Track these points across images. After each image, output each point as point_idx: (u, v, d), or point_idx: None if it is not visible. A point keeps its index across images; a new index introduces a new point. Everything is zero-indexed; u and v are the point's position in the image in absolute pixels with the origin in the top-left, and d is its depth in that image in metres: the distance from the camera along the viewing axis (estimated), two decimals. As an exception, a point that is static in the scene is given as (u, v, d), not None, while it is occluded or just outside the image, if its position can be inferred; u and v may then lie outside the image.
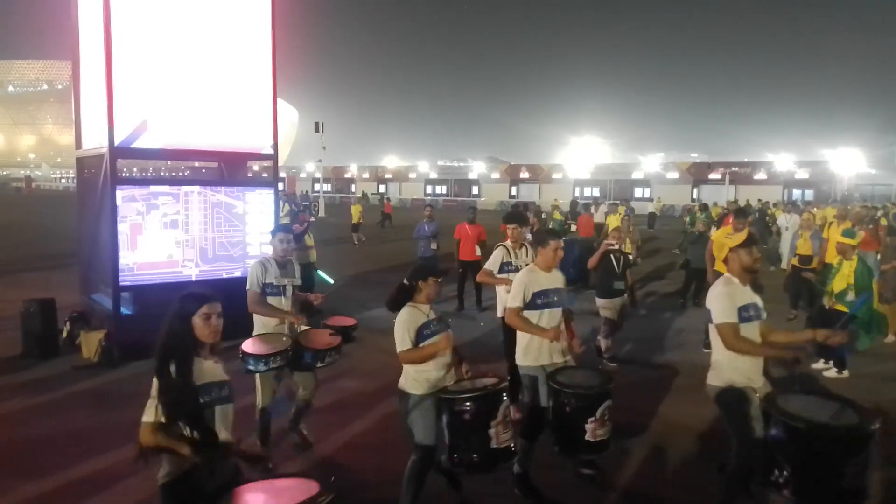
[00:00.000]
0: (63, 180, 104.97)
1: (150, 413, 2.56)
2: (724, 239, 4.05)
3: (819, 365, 7.24)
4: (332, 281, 9.91)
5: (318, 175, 53.68)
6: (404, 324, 3.74)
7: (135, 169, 65.18)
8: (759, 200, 30.24)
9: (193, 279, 7.64)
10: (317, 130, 43.85)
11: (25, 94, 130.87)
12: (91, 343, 7.30)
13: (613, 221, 14.46)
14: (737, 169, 57.82)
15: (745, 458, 3.55)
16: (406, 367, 3.80)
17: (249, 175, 11.44)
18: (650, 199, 50.15)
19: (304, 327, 4.91)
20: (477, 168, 77.66)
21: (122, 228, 7.22)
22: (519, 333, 4.43)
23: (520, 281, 4.44)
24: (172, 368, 2.59)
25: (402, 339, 3.72)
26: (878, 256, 7.77)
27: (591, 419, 3.89)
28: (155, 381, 2.62)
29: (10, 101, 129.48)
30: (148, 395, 2.63)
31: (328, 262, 12.20)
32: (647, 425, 5.66)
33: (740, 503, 3.68)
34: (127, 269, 7.26)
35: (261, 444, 4.70)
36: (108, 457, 4.74)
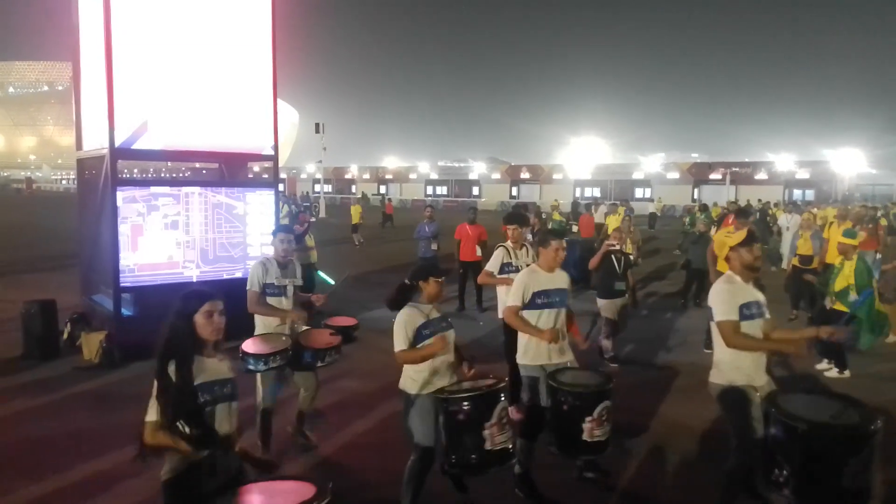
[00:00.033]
0: (64, 181, 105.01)
1: (153, 412, 2.57)
2: (724, 238, 4.05)
3: (822, 365, 7.23)
4: (332, 282, 9.90)
5: (318, 176, 53.73)
6: (402, 324, 3.74)
7: (135, 170, 65.25)
8: (760, 200, 30.28)
9: (194, 280, 7.64)
10: (317, 131, 43.88)
11: (26, 96, 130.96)
12: (92, 344, 7.31)
13: (613, 222, 14.47)
14: (737, 169, 57.80)
15: (745, 458, 3.56)
16: (405, 367, 3.81)
17: (250, 176, 11.44)
18: (651, 200, 50.13)
19: (304, 327, 4.91)
20: (477, 168, 77.68)
21: (123, 229, 7.23)
22: (520, 333, 4.43)
23: (520, 280, 4.45)
24: (172, 367, 2.59)
25: (399, 338, 3.73)
26: (878, 256, 7.78)
27: (588, 419, 3.88)
28: (156, 381, 2.63)
29: (11, 103, 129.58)
30: (149, 395, 2.63)
31: (329, 263, 12.20)
32: (648, 426, 5.66)
33: (741, 503, 3.67)
34: (128, 271, 7.27)
35: (262, 444, 4.70)
36: (108, 458, 4.74)
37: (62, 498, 4.31)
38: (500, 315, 5.73)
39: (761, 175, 57.27)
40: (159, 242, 7.48)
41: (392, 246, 21.80)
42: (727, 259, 3.92)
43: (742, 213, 10.20)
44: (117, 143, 7.25)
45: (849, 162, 51.42)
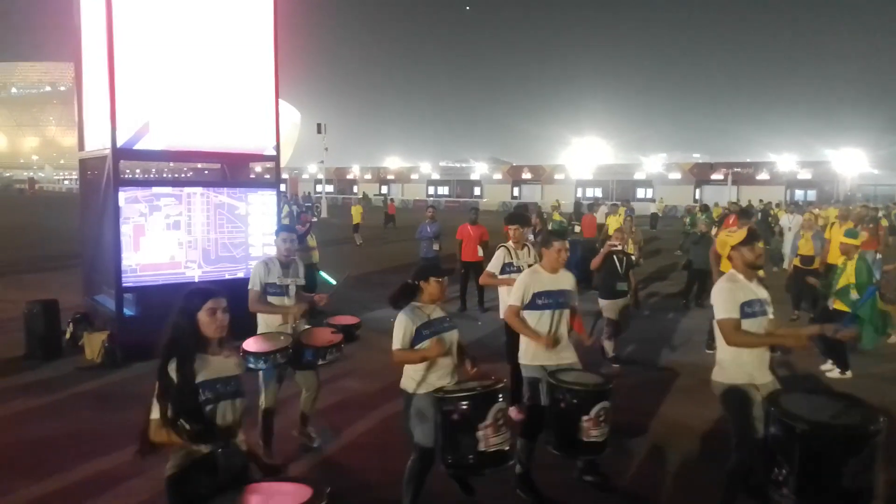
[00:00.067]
0: (66, 182, 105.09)
1: (156, 410, 2.59)
2: (726, 237, 4.05)
3: (826, 366, 7.21)
4: (334, 282, 9.92)
5: (320, 176, 53.80)
6: (401, 323, 3.75)
7: (137, 170, 65.33)
8: (761, 201, 30.20)
9: (196, 280, 7.65)
10: (319, 132, 43.91)
11: (28, 96, 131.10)
12: (94, 344, 7.32)
13: (613, 222, 14.47)
14: (739, 169, 57.73)
15: (745, 457, 3.56)
16: (406, 367, 3.82)
17: (252, 176, 11.46)
18: (652, 200, 50.09)
19: (305, 326, 4.92)
20: (479, 169, 77.66)
21: (125, 230, 7.24)
22: None
23: (521, 281, 4.46)
24: (174, 365, 2.60)
25: (397, 337, 3.73)
26: (878, 256, 7.79)
27: (585, 418, 3.87)
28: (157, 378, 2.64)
29: (13, 103, 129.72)
30: (152, 394, 2.64)
31: (330, 263, 12.21)
32: (649, 426, 5.66)
33: (741, 502, 3.67)
34: (130, 271, 7.28)
35: (263, 444, 4.71)
36: (110, 458, 4.75)
37: (63, 498, 4.32)
38: (502, 315, 5.74)
39: (763, 175, 57.20)
40: (161, 243, 7.49)
41: (393, 246, 21.81)
42: (729, 258, 3.93)
43: (744, 213, 10.21)
44: (119, 144, 7.26)
45: (851, 162, 51.37)
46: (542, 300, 4.34)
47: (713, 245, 8.70)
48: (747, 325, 3.66)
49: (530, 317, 4.38)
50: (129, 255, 7.27)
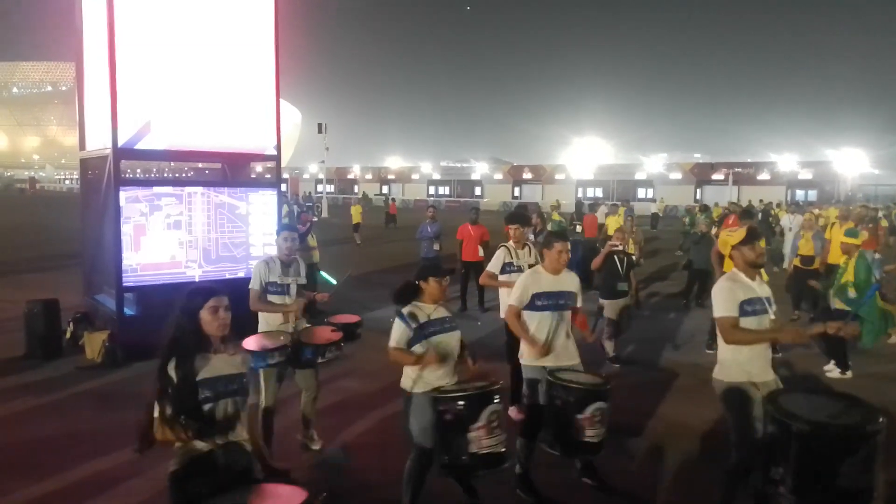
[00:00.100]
0: (67, 181, 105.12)
1: (158, 408, 2.59)
2: (726, 237, 4.06)
3: (829, 366, 7.20)
4: (334, 282, 9.92)
5: (321, 176, 53.81)
6: (397, 323, 3.77)
7: (138, 170, 65.33)
8: (761, 201, 30.19)
9: (197, 280, 7.65)
10: (320, 131, 43.92)
11: (29, 96, 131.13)
12: (94, 344, 7.33)
13: (612, 222, 14.47)
14: (740, 169, 57.72)
15: (744, 456, 3.57)
16: (405, 366, 3.82)
17: (253, 176, 11.47)
18: (653, 200, 50.08)
19: (306, 325, 4.92)
20: (480, 169, 77.66)
21: (126, 229, 7.24)
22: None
23: (521, 281, 4.45)
24: (174, 363, 2.61)
25: (394, 335, 3.76)
26: (877, 256, 7.82)
27: (579, 416, 3.86)
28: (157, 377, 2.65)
29: (15, 103, 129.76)
30: (152, 392, 2.65)
31: (331, 263, 12.22)
32: (649, 426, 5.66)
33: (741, 502, 3.67)
34: (130, 270, 7.28)
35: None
36: (110, 457, 4.76)
37: (63, 498, 4.32)
38: (502, 315, 5.74)
39: (764, 175, 57.18)
40: (162, 242, 7.49)
41: (394, 246, 21.81)
42: (731, 257, 3.94)
43: (746, 213, 10.19)
44: (120, 144, 7.26)
45: (851, 162, 51.36)
46: (541, 301, 4.33)
47: (715, 245, 8.69)
48: (748, 323, 3.66)
49: (530, 318, 4.37)
50: (130, 254, 7.27)
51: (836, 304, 6.93)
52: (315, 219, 18.59)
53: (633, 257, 8.59)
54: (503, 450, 3.53)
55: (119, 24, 7.19)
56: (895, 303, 7.94)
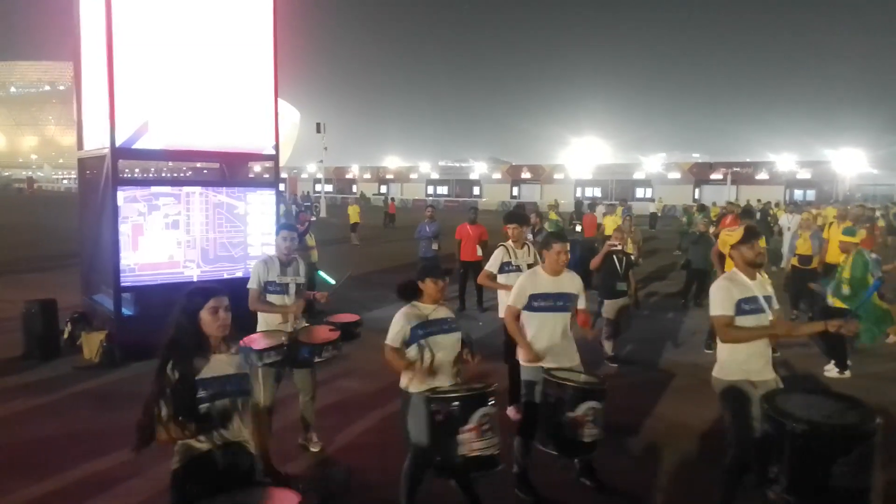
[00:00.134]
0: (65, 181, 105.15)
1: (159, 407, 2.59)
2: (726, 237, 4.06)
3: (829, 366, 7.20)
4: (333, 282, 9.91)
5: (319, 176, 53.79)
6: (397, 321, 3.79)
7: (136, 170, 65.27)
8: (759, 201, 30.24)
9: (195, 280, 7.64)
10: (318, 131, 43.90)
11: (27, 96, 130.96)
12: (92, 344, 7.31)
13: (610, 222, 14.47)
14: (738, 169, 57.81)
15: (741, 454, 3.58)
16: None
17: (251, 176, 11.45)
18: (652, 200, 50.13)
19: (304, 324, 4.91)
20: (478, 168, 77.72)
21: (124, 229, 7.23)
22: (525, 329, 4.40)
23: (519, 282, 4.44)
24: (172, 363, 2.61)
25: (390, 333, 3.77)
26: (874, 256, 7.84)
27: (570, 414, 3.84)
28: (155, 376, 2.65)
29: (13, 102, 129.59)
30: (150, 391, 2.65)
31: (329, 263, 12.20)
32: (648, 425, 5.67)
33: (741, 502, 3.67)
34: (128, 270, 7.27)
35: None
36: (109, 457, 4.75)
37: (62, 498, 4.31)
38: (501, 315, 5.73)
39: (762, 175, 57.27)
40: (160, 242, 7.48)
41: (393, 246, 21.81)
42: (731, 257, 3.95)
43: (746, 213, 10.20)
44: (118, 143, 7.25)
45: (850, 162, 51.44)
46: (538, 302, 4.31)
47: (715, 245, 8.70)
48: (745, 321, 3.66)
49: (528, 318, 4.36)
50: (128, 254, 7.26)
51: (834, 302, 6.92)
52: (313, 218, 18.59)
53: (632, 257, 8.59)
54: (494, 453, 3.48)
55: (117, 24, 7.17)
56: (894, 302, 7.95)
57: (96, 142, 7.92)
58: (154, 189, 7.59)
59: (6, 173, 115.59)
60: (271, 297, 4.85)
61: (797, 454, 2.98)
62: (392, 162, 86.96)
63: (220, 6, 7.97)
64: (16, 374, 6.93)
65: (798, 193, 53.31)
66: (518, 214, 6.27)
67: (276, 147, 8.55)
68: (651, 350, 8.19)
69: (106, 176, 7.43)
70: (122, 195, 7.23)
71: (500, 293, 5.82)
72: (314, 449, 5.03)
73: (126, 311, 7.47)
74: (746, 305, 3.68)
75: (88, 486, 4.43)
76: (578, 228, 16.34)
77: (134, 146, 7.42)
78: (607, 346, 7.47)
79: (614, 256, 7.61)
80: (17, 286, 11.71)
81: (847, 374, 7.04)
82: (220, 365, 2.73)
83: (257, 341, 4.42)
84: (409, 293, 3.87)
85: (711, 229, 12.01)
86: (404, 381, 3.81)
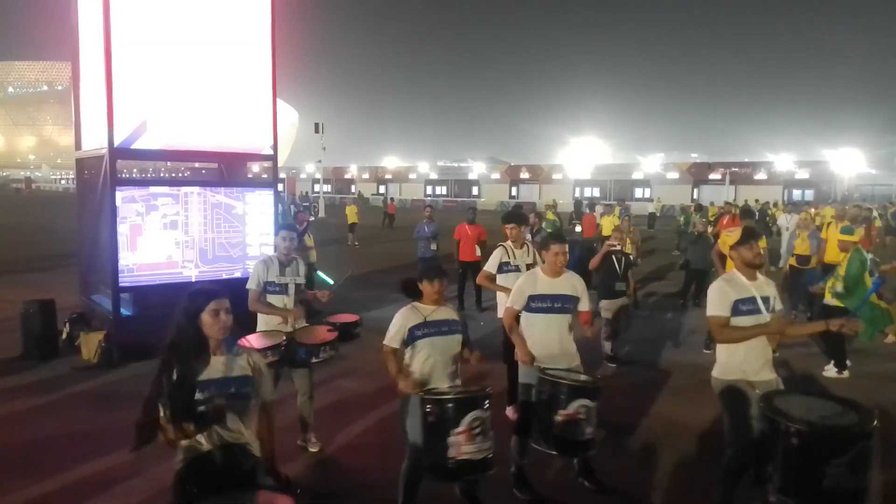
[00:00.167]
0: (63, 181, 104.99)
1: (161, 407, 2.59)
2: (725, 237, 4.07)
3: (828, 367, 7.19)
4: (332, 282, 9.91)
5: (318, 176, 53.72)
6: (396, 320, 3.82)
7: (134, 170, 65.21)
8: (757, 201, 30.27)
9: (193, 280, 7.63)
10: (317, 131, 43.89)
11: (25, 96, 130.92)
12: (91, 344, 7.30)
13: (607, 222, 14.49)
14: (737, 169, 57.88)
15: (738, 454, 3.58)
16: (405, 367, 3.82)
17: (249, 176, 11.44)
18: (650, 200, 50.16)
19: (303, 323, 4.91)
20: (477, 168, 77.74)
21: (122, 229, 7.22)
22: (523, 329, 4.39)
23: (518, 284, 4.44)
24: (173, 364, 2.60)
25: (388, 333, 3.81)
26: (870, 256, 7.85)
27: (561, 412, 3.83)
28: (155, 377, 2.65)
29: (10, 103, 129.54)
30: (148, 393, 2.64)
31: (328, 263, 12.20)
32: (647, 425, 5.66)
33: (740, 502, 3.67)
34: (126, 270, 7.26)
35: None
36: (108, 458, 4.74)
37: (62, 498, 4.31)
38: (500, 315, 5.73)
39: (761, 175, 57.32)
40: (158, 242, 7.47)
41: (392, 246, 21.80)
42: (731, 257, 3.96)
43: (746, 213, 10.20)
44: (116, 143, 7.24)
45: (848, 162, 51.47)
46: (535, 303, 4.30)
47: (716, 245, 8.69)
48: (742, 322, 3.67)
49: (526, 319, 4.36)
50: (126, 254, 7.25)
51: (832, 300, 6.90)
52: (312, 218, 18.59)
53: (631, 257, 8.59)
54: (484, 457, 3.45)
55: (115, 24, 7.16)
56: (893, 302, 7.96)
57: (94, 142, 7.91)
58: (152, 189, 7.58)
59: (4, 173, 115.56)
60: (271, 298, 4.85)
61: (790, 453, 2.98)
62: (391, 162, 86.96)
63: (219, 6, 7.95)
64: (14, 374, 6.91)
65: (797, 193, 53.39)
66: (516, 214, 6.27)
67: (275, 147, 8.54)
68: (650, 350, 8.19)
69: (104, 176, 7.41)
70: (120, 195, 7.22)
71: (500, 293, 5.82)
72: (313, 449, 5.02)
73: (124, 311, 7.46)
74: (743, 306, 3.68)
75: (88, 486, 4.42)
76: (578, 229, 16.35)
77: (132, 146, 7.41)
78: (606, 347, 7.47)
79: (613, 257, 7.61)
80: (16, 286, 11.70)
81: (846, 374, 7.04)
82: (220, 367, 2.73)
83: (256, 341, 4.42)
84: (411, 291, 3.89)
85: (710, 229, 12.02)
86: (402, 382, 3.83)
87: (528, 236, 8.16)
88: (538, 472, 4.43)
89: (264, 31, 8.31)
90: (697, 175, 60.27)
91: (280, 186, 13.02)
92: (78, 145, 8.54)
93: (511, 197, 66.78)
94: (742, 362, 3.70)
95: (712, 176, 58.66)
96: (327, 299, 5.16)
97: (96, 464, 4.71)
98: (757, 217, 20.01)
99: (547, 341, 4.29)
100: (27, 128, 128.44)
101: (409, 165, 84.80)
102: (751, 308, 3.70)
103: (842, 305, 6.63)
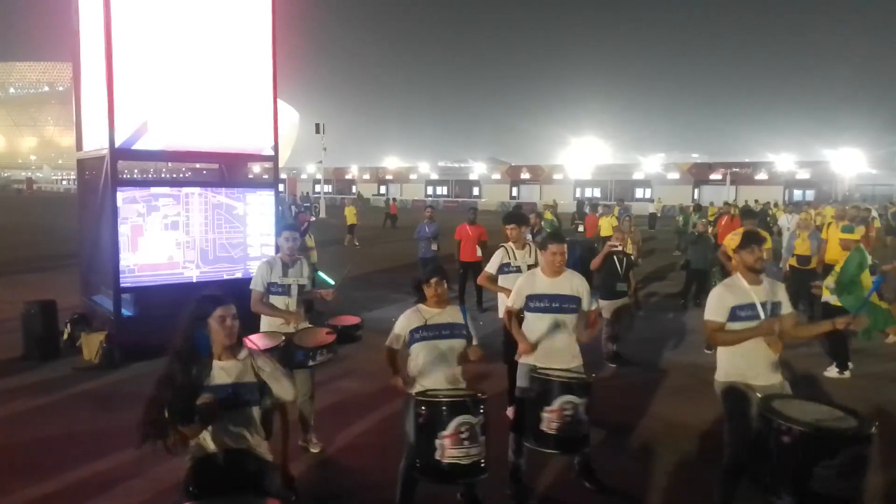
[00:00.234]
0: (64, 182, 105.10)
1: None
2: (729, 240, 4.09)
3: (830, 367, 7.18)
4: (333, 282, 9.92)
5: (318, 176, 53.80)
6: (398, 322, 3.88)
7: (135, 170, 65.29)
8: (757, 201, 30.25)
9: (194, 280, 7.64)
10: (317, 132, 43.88)
11: (26, 96, 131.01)
12: (92, 344, 7.31)
13: (606, 223, 14.47)
14: (738, 169, 57.84)
15: (736, 455, 3.59)
16: (408, 367, 3.84)
17: (250, 176, 11.46)
18: (651, 200, 50.14)
19: (304, 325, 4.91)
20: (477, 169, 77.73)
21: (123, 230, 7.23)
22: (524, 330, 4.39)
23: (518, 283, 4.44)
24: (178, 369, 2.62)
25: (392, 333, 3.87)
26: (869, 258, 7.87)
27: (547, 408, 3.82)
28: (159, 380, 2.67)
29: (12, 103, 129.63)
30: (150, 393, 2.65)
31: (329, 264, 12.20)
32: (648, 425, 5.66)
33: (740, 502, 3.67)
34: (128, 271, 7.27)
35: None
36: (109, 458, 4.75)
37: (62, 498, 4.31)
38: (501, 315, 5.73)
39: (761, 175, 57.30)
40: (159, 243, 7.48)
41: (393, 246, 21.80)
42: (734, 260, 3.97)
43: (748, 213, 10.20)
44: (117, 144, 7.25)
45: (849, 162, 51.45)
46: (533, 303, 4.30)
47: (722, 246, 8.69)
48: (738, 328, 3.68)
49: (526, 319, 4.36)
50: (127, 255, 7.26)
51: (831, 298, 6.89)
52: (312, 219, 18.58)
53: (632, 257, 8.59)
54: (472, 462, 3.42)
55: (116, 25, 7.17)
56: (893, 302, 7.95)
57: (95, 142, 7.92)
58: (153, 190, 7.59)
59: (5, 174, 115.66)
60: (273, 299, 4.86)
61: (780, 452, 2.97)
62: (391, 162, 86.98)
63: (219, 7, 7.96)
64: (15, 374, 6.92)
65: (797, 193, 53.34)
66: (517, 215, 6.27)
67: (276, 148, 8.55)
68: (651, 350, 8.18)
69: (105, 177, 7.43)
70: (121, 196, 7.22)
71: (500, 294, 5.82)
72: (314, 450, 5.02)
73: (126, 311, 7.46)
74: (742, 312, 3.68)
75: (88, 486, 4.43)
76: (581, 229, 16.33)
77: (133, 147, 7.42)
78: (607, 347, 7.47)
79: (614, 257, 7.61)
80: (17, 287, 11.71)
81: (847, 374, 7.03)
82: (224, 372, 2.74)
83: (258, 342, 4.42)
84: (418, 293, 3.95)
85: (710, 230, 12.02)
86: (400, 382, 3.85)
87: (529, 237, 8.16)
88: (539, 472, 4.44)
89: (265, 32, 8.32)
90: (698, 175, 60.25)
91: (281, 187, 13.03)
92: (79, 146, 8.56)
93: (512, 197, 66.77)
94: (742, 364, 3.71)
95: (713, 176, 58.64)
96: (332, 298, 5.16)
97: (97, 464, 4.72)
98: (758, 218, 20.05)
99: (545, 341, 4.28)
100: (28, 128, 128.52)
101: (409, 166, 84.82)
102: (749, 314, 3.69)
103: (839, 304, 6.62)
